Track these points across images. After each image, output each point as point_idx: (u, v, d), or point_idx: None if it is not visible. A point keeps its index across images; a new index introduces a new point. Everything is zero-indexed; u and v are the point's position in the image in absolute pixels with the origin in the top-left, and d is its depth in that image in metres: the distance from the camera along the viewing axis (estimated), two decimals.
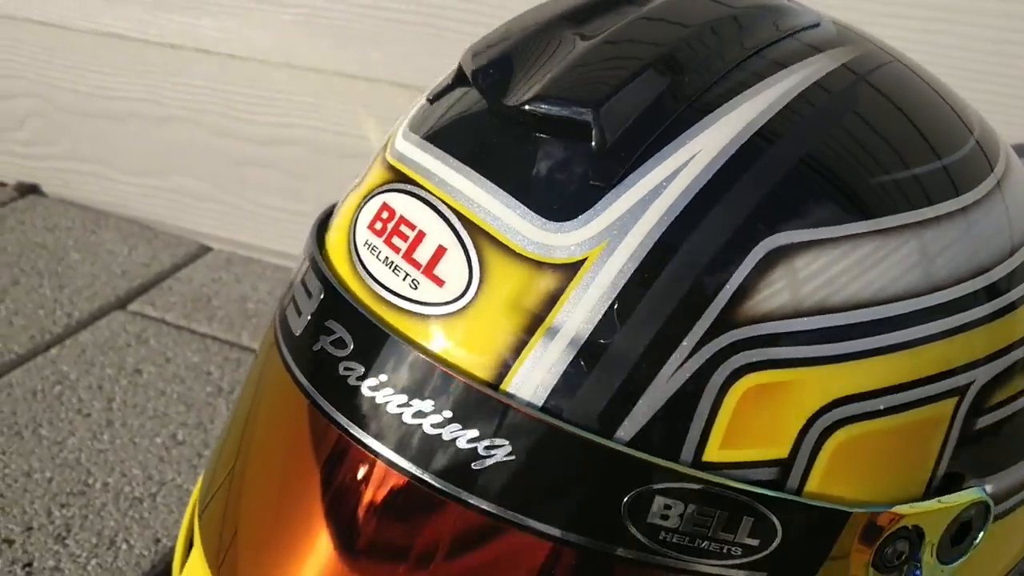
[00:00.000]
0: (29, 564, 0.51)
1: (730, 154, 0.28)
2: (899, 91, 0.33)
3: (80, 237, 0.83)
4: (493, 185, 0.29)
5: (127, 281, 0.77)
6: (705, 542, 0.27)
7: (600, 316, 0.27)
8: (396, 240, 0.30)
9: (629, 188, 0.27)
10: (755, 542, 0.27)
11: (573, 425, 0.27)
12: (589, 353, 0.27)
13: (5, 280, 0.76)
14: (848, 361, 0.28)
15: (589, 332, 0.27)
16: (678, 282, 0.27)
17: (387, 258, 0.30)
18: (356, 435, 0.29)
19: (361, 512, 0.30)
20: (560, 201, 0.28)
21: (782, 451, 0.27)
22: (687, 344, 0.27)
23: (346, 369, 0.29)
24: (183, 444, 0.60)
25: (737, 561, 0.27)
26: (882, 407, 0.28)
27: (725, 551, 0.27)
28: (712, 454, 0.27)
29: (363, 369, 0.29)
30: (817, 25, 0.33)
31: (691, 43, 0.30)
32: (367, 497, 0.30)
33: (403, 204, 0.30)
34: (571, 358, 0.27)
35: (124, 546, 0.53)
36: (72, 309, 0.73)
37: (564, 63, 0.29)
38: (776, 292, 0.27)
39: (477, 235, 0.28)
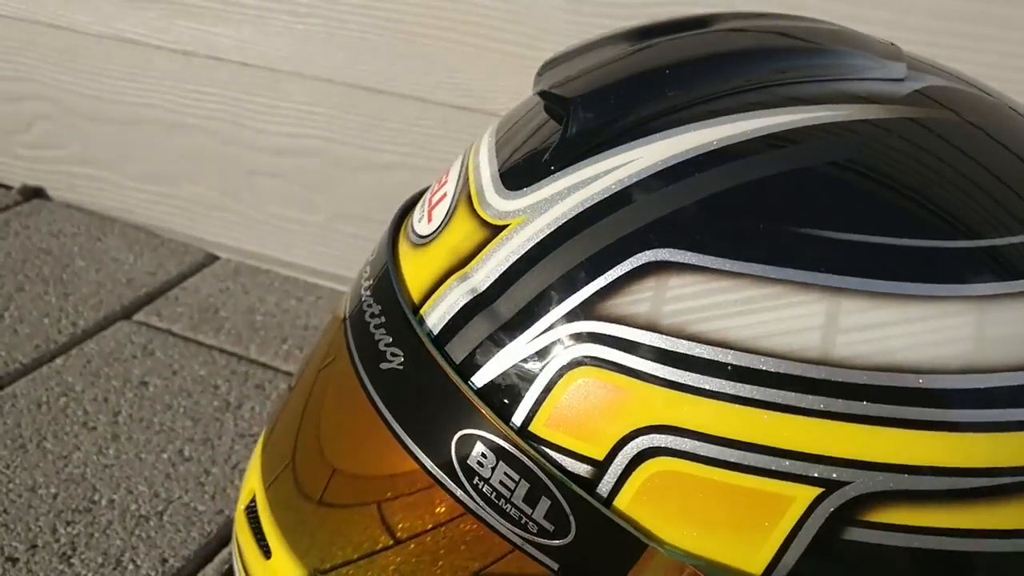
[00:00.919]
0: None
1: (659, 168, 0.29)
2: (904, 163, 0.29)
3: (85, 244, 0.82)
4: (494, 153, 0.33)
5: (133, 290, 0.76)
6: (508, 505, 0.28)
7: (496, 276, 0.30)
8: (435, 185, 0.35)
9: (567, 175, 0.30)
10: (550, 527, 0.28)
11: (443, 357, 0.30)
12: (478, 303, 0.30)
13: (10, 287, 0.75)
14: (684, 392, 0.27)
15: (485, 286, 0.30)
16: (561, 264, 0.29)
17: (423, 199, 0.35)
18: (346, 325, 0.34)
19: (326, 376, 0.36)
20: (522, 174, 0.31)
21: (598, 452, 0.28)
22: (547, 320, 0.28)
23: (363, 271, 0.35)
24: (190, 460, 0.59)
25: (532, 538, 0.28)
26: (708, 455, 0.27)
27: (523, 522, 0.28)
28: (538, 427, 0.28)
29: (368, 272, 0.35)
30: (899, 80, 0.31)
31: (699, 63, 0.31)
32: (331, 366, 0.36)
33: (459, 159, 0.35)
34: (465, 302, 0.30)
35: (131, 566, 0.52)
36: (77, 318, 0.72)
37: (588, 66, 0.32)
38: (639, 300, 0.27)
39: (463, 189, 0.33)
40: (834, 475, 0.26)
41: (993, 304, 0.27)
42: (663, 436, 0.27)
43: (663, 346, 0.27)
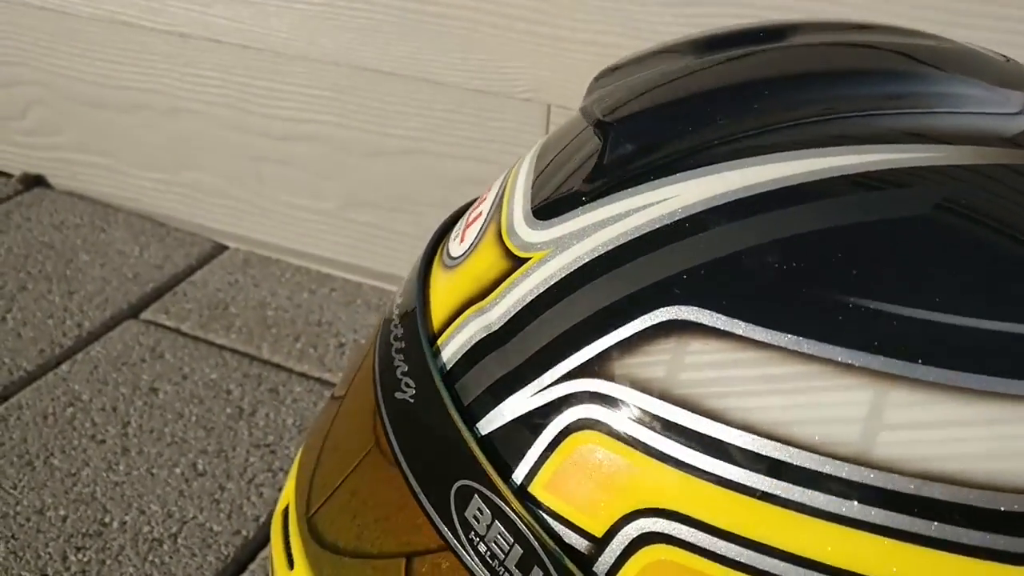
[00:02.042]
0: None
1: (697, 210, 0.25)
2: (998, 222, 0.24)
3: (89, 236, 0.78)
4: (532, 174, 0.30)
5: (139, 286, 0.73)
6: (501, 568, 0.26)
7: (512, 314, 0.27)
8: (477, 202, 0.33)
9: (597, 208, 0.26)
10: None
11: (451, 397, 0.27)
12: (492, 341, 0.27)
13: (12, 286, 0.72)
14: (693, 476, 0.23)
15: (500, 324, 0.27)
16: (575, 312, 0.26)
17: (465, 215, 0.33)
18: (376, 344, 0.32)
19: (353, 400, 0.34)
20: (552, 203, 0.28)
21: (596, 528, 0.25)
22: (554, 373, 0.25)
23: (399, 292, 0.33)
24: (204, 475, 0.57)
25: None
26: (712, 549, 0.23)
27: None
28: (537, 490, 0.26)
29: (401, 290, 0.33)
30: (1014, 114, 0.26)
31: (753, 88, 0.27)
32: (354, 389, 0.34)
33: (502, 175, 0.33)
34: (480, 339, 0.27)
35: None
36: (83, 318, 0.69)
37: (642, 81, 0.29)
38: (653, 364, 0.24)
39: (496, 213, 0.30)
40: None
41: None
42: (666, 521, 0.24)
43: (675, 419, 0.23)
